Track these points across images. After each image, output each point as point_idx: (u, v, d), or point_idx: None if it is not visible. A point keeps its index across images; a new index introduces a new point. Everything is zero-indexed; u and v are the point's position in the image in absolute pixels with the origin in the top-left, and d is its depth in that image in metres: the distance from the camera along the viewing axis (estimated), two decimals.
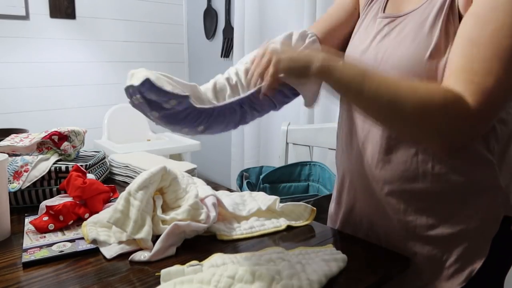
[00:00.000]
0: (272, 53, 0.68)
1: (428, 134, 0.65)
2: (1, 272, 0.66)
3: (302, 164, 1.42)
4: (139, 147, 2.11)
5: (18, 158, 0.96)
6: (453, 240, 0.71)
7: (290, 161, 1.53)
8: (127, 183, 1.02)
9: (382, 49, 0.72)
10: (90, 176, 0.95)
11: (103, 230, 0.76)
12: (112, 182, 1.11)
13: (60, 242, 0.74)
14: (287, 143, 1.58)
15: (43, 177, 0.95)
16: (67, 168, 0.97)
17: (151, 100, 0.61)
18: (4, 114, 2.26)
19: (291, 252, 0.70)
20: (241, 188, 1.41)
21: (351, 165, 0.83)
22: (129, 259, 0.69)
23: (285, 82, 0.72)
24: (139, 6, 2.71)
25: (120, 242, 0.73)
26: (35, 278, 0.64)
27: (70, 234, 0.78)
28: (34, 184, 0.94)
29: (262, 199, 0.90)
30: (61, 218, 0.79)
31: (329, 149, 1.45)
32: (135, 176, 1.03)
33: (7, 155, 0.80)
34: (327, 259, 0.67)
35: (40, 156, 0.97)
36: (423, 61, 0.65)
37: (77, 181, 0.85)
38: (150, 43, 2.79)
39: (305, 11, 1.95)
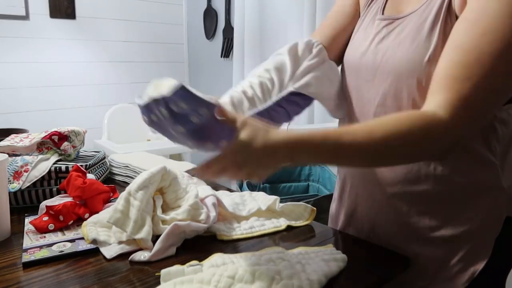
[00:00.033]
0: (235, 164, 0.59)
1: (417, 158, 0.66)
2: (1, 272, 0.66)
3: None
4: (139, 147, 2.11)
5: (18, 158, 0.96)
6: (455, 241, 0.70)
7: None
8: (127, 183, 1.02)
9: (381, 51, 0.72)
10: (90, 176, 0.95)
11: (103, 230, 0.76)
12: (112, 182, 1.11)
13: (60, 242, 0.74)
14: None
15: (43, 177, 0.95)
16: (67, 168, 0.97)
17: (177, 113, 0.56)
18: (4, 114, 2.26)
19: (291, 252, 0.70)
20: (241, 188, 1.41)
21: (352, 168, 0.83)
22: (129, 259, 0.69)
23: (299, 93, 0.72)
24: (139, 6, 2.71)
25: (120, 242, 0.73)
26: (35, 278, 0.64)
27: (70, 234, 0.78)
28: (34, 184, 0.94)
29: (262, 199, 0.90)
30: (61, 218, 0.79)
31: None
32: (135, 176, 1.03)
33: (7, 155, 0.80)
34: (327, 259, 0.67)
35: (40, 156, 0.97)
36: (422, 64, 0.65)
37: (77, 181, 0.85)
38: (150, 43, 2.79)
39: (305, 11, 1.95)
